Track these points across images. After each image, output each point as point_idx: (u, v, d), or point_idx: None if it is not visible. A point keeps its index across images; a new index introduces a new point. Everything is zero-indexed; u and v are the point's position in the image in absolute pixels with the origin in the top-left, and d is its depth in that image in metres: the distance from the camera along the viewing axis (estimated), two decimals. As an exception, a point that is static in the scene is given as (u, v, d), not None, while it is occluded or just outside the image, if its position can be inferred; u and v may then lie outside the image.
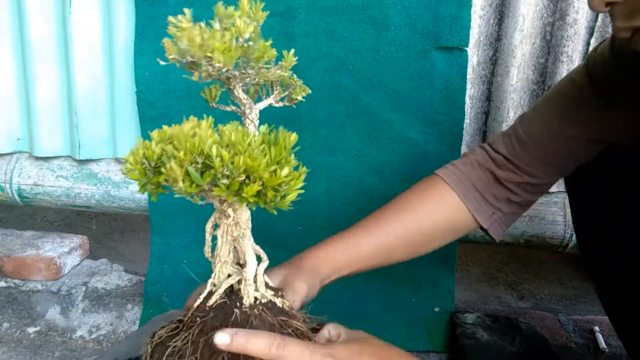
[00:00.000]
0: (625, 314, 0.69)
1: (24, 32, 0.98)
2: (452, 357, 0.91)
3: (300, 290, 0.56)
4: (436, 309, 0.94)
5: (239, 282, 0.50)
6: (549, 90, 0.67)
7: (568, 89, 0.63)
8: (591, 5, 0.45)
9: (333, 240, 0.65)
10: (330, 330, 0.51)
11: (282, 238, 0.93)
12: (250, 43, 0.44)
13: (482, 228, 0.68)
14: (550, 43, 0.88)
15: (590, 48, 0.86)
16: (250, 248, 0.49)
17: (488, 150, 0.68)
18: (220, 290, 0.49)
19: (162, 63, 0.42)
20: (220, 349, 0.43)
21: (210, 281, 0.51)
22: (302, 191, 0.39)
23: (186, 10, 0.41)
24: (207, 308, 0.48)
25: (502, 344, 0.85)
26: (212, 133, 0.40)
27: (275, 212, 0.39)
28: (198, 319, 0.47)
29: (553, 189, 0.93)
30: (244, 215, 0.48)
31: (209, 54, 0.41)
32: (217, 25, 0.44)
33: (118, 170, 1.03)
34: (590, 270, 0.75)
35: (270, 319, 0.48)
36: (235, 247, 0.50)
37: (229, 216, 0.47)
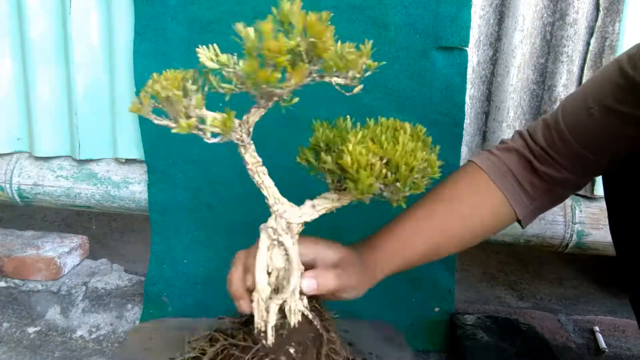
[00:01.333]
0: None
1: (24, 32, 0.98)
2: (452, 358, 0.91)
3: (351, 289, 0.56)
4: (436, 309, 0.94)
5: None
6: (589, 80, 0.65)
7: (616, 74, 0.60)
8: None
9: (389, 238, 0.64)
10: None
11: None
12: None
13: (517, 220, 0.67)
14: (550, 43, 0.88)
15: (591, 48, 0.86)
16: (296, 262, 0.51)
17: (527, 139, 0.66)
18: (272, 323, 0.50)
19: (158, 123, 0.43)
20: None
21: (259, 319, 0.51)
22: None
23: None
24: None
25: (502, 344, 0.85)
26: None
27: None
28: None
29: (553, 189, 0.93)
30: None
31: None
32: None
33: (118, 170, 1.03)
34: (626, 275, 0.71)
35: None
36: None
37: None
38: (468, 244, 0.67)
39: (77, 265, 1.11)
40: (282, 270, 0.52)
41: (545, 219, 0.92)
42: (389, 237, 0.64)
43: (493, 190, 0.65)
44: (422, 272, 0.94)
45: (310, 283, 0.52)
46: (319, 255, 0.57)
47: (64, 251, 1.07)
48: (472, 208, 0.65)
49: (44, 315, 0.97)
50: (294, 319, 0.50)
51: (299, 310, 0.51)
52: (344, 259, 0.57)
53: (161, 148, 0.95)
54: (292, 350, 0.48)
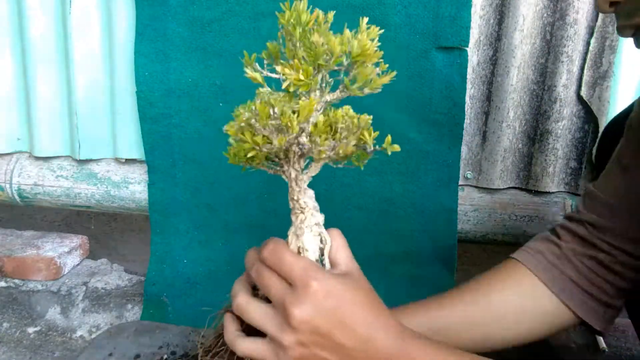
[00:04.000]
0: None
1: (24, 32, 0.98)
2: None
3: None
4: (436, 309, 0.94)
5: None
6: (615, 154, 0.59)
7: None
8: (596, 6, 0.46)
9: (405, 314, 0.58)
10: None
11: (281, 237, 0.93)
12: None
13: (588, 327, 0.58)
14: (550, 43, 0.88)
15: (591, 48, 0.86)
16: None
17: (577, 230, 0.57)
18: None
19: None
20: None
21: None
22: None
23: None
24: None
25: (502, 344, 0.85)
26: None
27: None
28: None
29: (553, 188, 0.93)
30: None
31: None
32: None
33: (118, 170, 1.03)
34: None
35: None
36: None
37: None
38: (496, 338, 0.59)
39: (77, 265, 1.10)
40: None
41: (545, 219, 0.92)
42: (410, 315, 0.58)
43: (539, 289, 0.57)
44: (422, 272, 0.94)
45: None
46: None
47: (64, 251, 1.07)
48: (501, 295, 0.58)
49: (44, 315, 0.97)
50: None
51: None
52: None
53: (161, 148, 0.95)
54: None
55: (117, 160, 1.03)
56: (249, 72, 0.43)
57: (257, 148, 0.41)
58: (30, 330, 0.95)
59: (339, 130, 0.41)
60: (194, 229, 0.98)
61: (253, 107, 0.40)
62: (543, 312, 0.57)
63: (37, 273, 1.03)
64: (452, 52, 0.86)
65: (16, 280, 1.04)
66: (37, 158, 1.05)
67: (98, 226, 1.52)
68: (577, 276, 0.56)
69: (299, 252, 0.49)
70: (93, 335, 0.94)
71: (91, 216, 1.57)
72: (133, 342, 0.85)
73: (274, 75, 0.42)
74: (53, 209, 1.50)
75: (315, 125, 0.41)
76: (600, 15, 0.85)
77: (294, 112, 0.40)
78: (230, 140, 0.46)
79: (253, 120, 0.40)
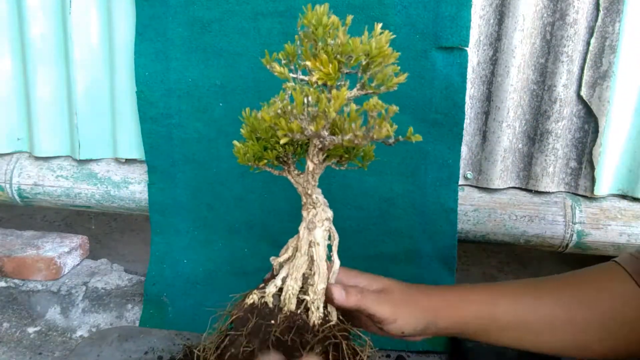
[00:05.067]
0: None
1: (23, 32, 0.98)
2: (452, 359, 0.91)
3: (392, 315, 0.51)
4: (436, 309, 0.94)
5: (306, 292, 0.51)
6: None
7: None
8: None
9: (468, 287, 0.56)
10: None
11: (281, 237, 0.93)
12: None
13: None
14: (550, 43, 0.88)
15: (591, 48, 0.86)
16: (322, 256, 0.51)
17: None
18: (292, 306, 0.50)
19: None
20: None
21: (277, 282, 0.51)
22: None
23: None
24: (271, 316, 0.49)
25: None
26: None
27: None
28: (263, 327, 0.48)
29: (553, 188, 0.93)
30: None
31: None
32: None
33: (118, 170, 1.03)
34: None
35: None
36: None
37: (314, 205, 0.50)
38: (588, 341, 0.52)
39: (77, 265, 1.11)
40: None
41: (546, 219, 0.92)
42: (471, 289, 0.56)
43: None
44: (422, 272, 0.94)
45: (340, 292, 0.50)
46: (361, 284, 0.54)
47: (64, 251, 1.07)
48: (599, 295, 0.52)
49: (44, 315, 0.97)
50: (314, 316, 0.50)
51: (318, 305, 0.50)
52: (389, 286, 0.54)
53: (161, 148, 0.95)
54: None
55: (117, 160, 1.03)
56: (277, 67, 0.46)
57: (291, 135, 0.44)
58: (30, 330, 0.95)
59: (370, 117, 0.46)
60: (194, 229, 0.98)
61: (286, 97, 0.44)
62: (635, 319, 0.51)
63: (37, 273, 1.03)
64: (452, 52, 0.86)
65: (16, 280, 1.04)
66: (37, 158, 1.05)
67: (98, 226, 1.52)
68: None
69: (310, 247, 0.50)
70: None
71: (91, 216, 1.57)
72: (117, 349, 0.83)
73: (292, 75, 0.46)
74: (53, 209, 1.50)
75: (348, 114, 0.45)
76: (600, 15, 0.85)
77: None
78: (235, 142, 0.49)
79: (289, 107, 0.43)
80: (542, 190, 0.92)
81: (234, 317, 0.51)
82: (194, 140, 0.94)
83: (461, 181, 0.95)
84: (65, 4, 0.95)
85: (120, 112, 0.98)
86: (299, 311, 0.49)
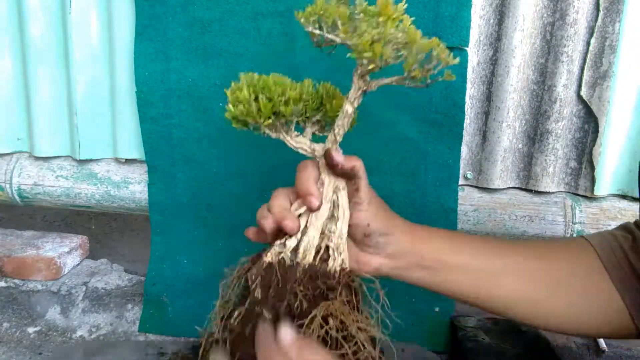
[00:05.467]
0: None
1: (23, 32, 0.98)
2: (452, 359, 0.91)
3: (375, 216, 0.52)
4: (436, 310, 0.94)
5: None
6: None
7: None
8: None
9: (438, 229, 0.58)
10: None
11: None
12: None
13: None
14: (550, 43, 0.88)
15: (591, 48, 0.86)
16: (346, 201, 0.52)
17: None
18: (311, 257, 0.50)
19: None
20: None
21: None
22: None
23: None
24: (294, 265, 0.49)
25: (503, 346, 0.85)
26: None
27: None
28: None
29: (553, 188, 0.93)
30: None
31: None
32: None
33: (118, 170, 1.03)
34: None
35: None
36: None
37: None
38: (546, 297, 0.52)
39: (77, 265, 1.11)
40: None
41: (546, 219, 0.92)
42: (442, 230, 0.58)
43: (599, 271, 0.50)
44: (422, 272, 0.94)
45: (339, 152, 0.50)
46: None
47: (64, 251, 1.07)
48: (561, 257, 0.53)
49: (44, 315, 0.97)
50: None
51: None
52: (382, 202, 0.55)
53: (161, 148, 0.95)
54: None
55: (117, 160, 1.03)
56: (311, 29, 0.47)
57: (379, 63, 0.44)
58: (30, 330, 0.95)
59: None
60: (194, 229, 0.98)
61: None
62: (597, 299, 0.50)
63: (37, 273, 1.03)
64: (452, 52, 0.85)
65: (16, 280, 1.04)
66: (37, 158, 1.05)
67: (98, 226, 1.52)
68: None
69: (334, 192, 0.52)
70: (93, 335, 0.94)
71: (91, 216, 1.57)
72: None
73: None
74: (53, 209, 1.50)
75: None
76: (600, 15, 0.85)
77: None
78: (229, 106, 0.48)
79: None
80: (542, 190, 0.92)
81: (253, 276, 0.50)
82: (194, 140, 0.94)
83: (461, 181, 0.95)
84: (65, 4, 0.95)
85: (120, 112, 0.98)
86: (316, 262, 0.49)
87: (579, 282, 0.51)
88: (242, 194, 0.94)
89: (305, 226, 0.51)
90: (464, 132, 0.91)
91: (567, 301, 0.51)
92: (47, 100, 1.01)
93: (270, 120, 0.48)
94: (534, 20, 0.87)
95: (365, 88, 0.49)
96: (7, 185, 1.04)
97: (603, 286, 0.50)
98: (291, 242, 0.50)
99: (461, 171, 0.94)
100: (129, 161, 1.03)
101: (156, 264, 0.99)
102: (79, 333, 0.95)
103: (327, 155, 0.50)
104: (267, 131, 0.50)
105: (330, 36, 0.46)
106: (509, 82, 0.88)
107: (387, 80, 0.49)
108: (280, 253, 0.50)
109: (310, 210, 0.50)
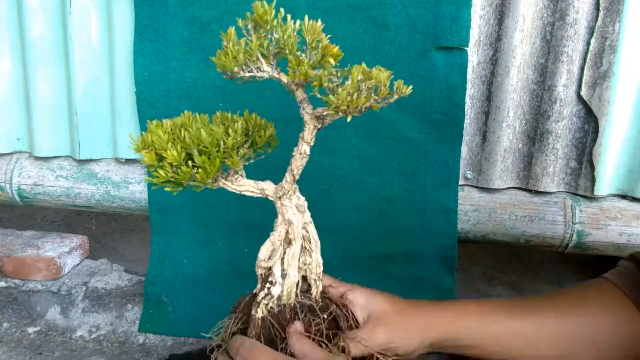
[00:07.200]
0: None
1: (23, 32, 0.98)
2: (452, 359, 0.91)
3: (403, 342, 0.52)
4: (436, 309, 0.94)
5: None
6: None
7: None
8: None
9: (462, 302, 0.57)
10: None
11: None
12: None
13: None
14: (550, 43, 0.88)
15: (591, 48, 0.86)
16: (315, 232, 0.54)
17: None
18: (294, 295, 0.52)
19: None
20: None
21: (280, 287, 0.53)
22: None
23: None
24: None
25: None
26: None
27: None
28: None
29: (553, 188, 0.93)
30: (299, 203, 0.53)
31: None
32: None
33: (118, 170, 1.03)
34: None
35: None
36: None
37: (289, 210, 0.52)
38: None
39: (77, 265, 1.11)
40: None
41: (546, 219, 0.92)
42: (470, 303, 0.57)
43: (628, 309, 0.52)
44: (422, 272, 0.94)
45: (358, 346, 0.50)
46: (359, 300, 0.55)
47: (64, 251, 1.07)
48: (590, 311, 0.53)
49: (44, 315, 0.97)
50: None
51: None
52: (383, 307, 0.55)
53: (161, 148, 0.95)
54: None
55: (117, 160, 1.03)
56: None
57: None
58: (30, 330, 0.95)
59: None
60: (194, 229, 0.98)
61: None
62: (632, 334, 0.52)
63: (37, 273, 1.03)
64: (452, 52, 0.86)
65: (16, 280, 1.04)
66: (37, 158, 1.05)
67: (98, 226, 1.52)
68: None
69: (303, 228, 0.52)
70: (93, 335, 0.94)
71: (91, 216, 1.57)
72: None
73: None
74: (53, 209, 1.50)
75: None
76: (600, 15, 0.85)
77: None
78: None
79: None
80: (542, 190, 0.92)
81: (254, 336, 0.51)
82: (193, 140, 0.94)
83: (461, 181, 0.95)
84: (65, 4, 0.95)
85: (120, 112, 0.98)
86: (299, 295, 0.51)
87: (613, 330, 0.52)
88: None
89: (283, 269, 0.52)
90: (464, 132, 0.91)
91: (605, 356, 0.52)
92: (47, 100, 1.01)
93: (195, 171, 0.48)
94: (534, 20, 0.87)
95: (319, 126, 0.49)
96: (7, 185, 1.04)
97: (634, 320, 0.51)
98: (276, 290, 0.52)
99: (461, 171, 0.94)
100: (129, 161, 1.03)
101: (156, 264, 0.99)
102: (79, 333, 0.95)
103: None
104: (201, 186, 0.51)
105: (276, 75, 0.47)
106: (509, 82, 0.88)
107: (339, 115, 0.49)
108: (267, 304, 0.52)
109: None
